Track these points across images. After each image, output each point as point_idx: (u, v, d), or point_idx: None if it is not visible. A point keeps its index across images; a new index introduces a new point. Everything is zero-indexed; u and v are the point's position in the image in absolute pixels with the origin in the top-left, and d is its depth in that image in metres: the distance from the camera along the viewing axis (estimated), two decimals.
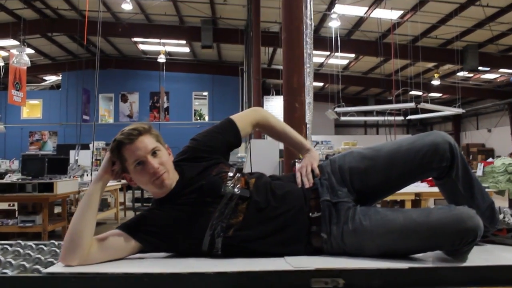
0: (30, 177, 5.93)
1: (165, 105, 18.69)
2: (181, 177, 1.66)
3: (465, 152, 19.77)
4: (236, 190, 1.61)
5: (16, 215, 6.31)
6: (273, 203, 1.61)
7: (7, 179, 6.15)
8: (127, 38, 15.89)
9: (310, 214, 1.60)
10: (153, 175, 1.57)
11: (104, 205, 7.67)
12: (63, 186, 5.89)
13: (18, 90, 12.20)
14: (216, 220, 1.57)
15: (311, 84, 7.98)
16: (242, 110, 17.64)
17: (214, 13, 13.65)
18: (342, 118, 14.47)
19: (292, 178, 1.74)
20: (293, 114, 3.73)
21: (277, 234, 1.58)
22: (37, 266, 1.50)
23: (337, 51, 12.82)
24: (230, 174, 1.66)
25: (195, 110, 19.06)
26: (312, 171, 1.72)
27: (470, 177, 1.66)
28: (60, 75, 19.89)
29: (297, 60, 3.78)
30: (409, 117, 13.70)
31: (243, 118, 1.83)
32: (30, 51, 16.01)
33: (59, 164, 6.30)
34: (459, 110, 12.05)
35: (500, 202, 7.51)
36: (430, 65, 16.44)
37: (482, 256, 1.54)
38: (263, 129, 1.90)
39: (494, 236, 1.72)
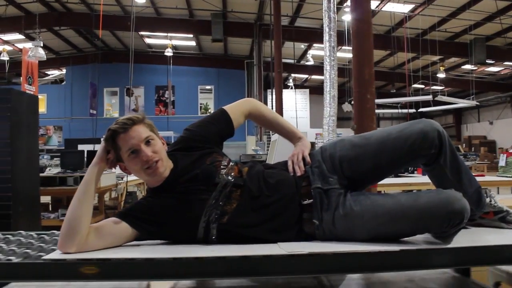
0: (70, 171, 5.93)
1: (171, 99, 18.64)
2: (175, 166, 1.69)
3: (467, 144, 20.03)
4: (230, 178, 1.65)
5: (50, 209, 6.32)
6: (265, 191, 1.64)
7: (48, 173, 6.12)
8: (135, 31, 15.78)
9: (302, 201, 1.63)
10: (146, 163, 1.60)
11: (133, 198, 7.71)
12: (104, 179, 5.90)
13: (30, 85, 12.11)
14: (210, 208, 1.61)
15: (335, 77, 8.03)
16: None
17: (225, 7, 13.64)
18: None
19: (284, 166, 1.77)
20: (365, 105, 3.78)
21: (270, 221, 1.61)
22: (41, 254, 1.52)
23: (349, 45, 12.89)
24: (224, 163, 1.70)
25: (200, 104, 19.05)
26: (304, 159, 1.75)
27: (458, 163, 1.70)
28: (63, 70, 19.74)
29: (367, 52, 3.83)
30: (421, 109, 13.84)
31: (235, 109, 1.86)
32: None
33: None
34: (473, 102, 12.23)
35: None
36: (436, 58, 16.59)
37: (469, 238, 1.58)
38: (255, 119, 1.93)
39: (481, 219, 1.77)
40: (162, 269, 1.42)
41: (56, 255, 1.49)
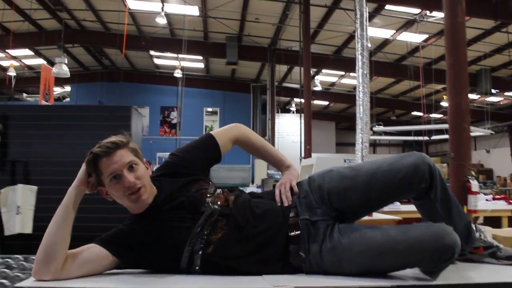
0: None
1: (175, 121, 18.59)
2: (159, 192, 1.64)
3: None
4: (216, 206, 1.61)
5: None
6: (252, 222, 1.60)
7: None
8: (147, 52, 15.80)
9: (289, 232, 1.60)
10: (128, 190, 1.55)
11: None
12: None
13: (47, 101, 11.97)
14: (195, 237, 1.56)
15: (368, 104, 8.16)
16: (254, 127, 17.79)
17: (242, 30, 13.77)
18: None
19: (271, 196, 1.74)
20: (462, 133, 3.88)
21: (255, 253, 1.57)
22: (3, 281, 1.47)
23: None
24: (210, 190, 1.66)
25: (206, 126, 19.03)
26: (291, 189, 1.73)
27: (448, 198, 1.68)
28: (65, 87, 19.55)
29: (464, 84, 3.95)
30: (433, 137, 14.16)
31: (223, 134, 1.83)
32: (42, 61, 15.73)
33: None
34: (487, 131, 12.55)
35: None
36: (440, 87, 16.98)
37: (459, 274, 1.57)
38: (243, 145, 1.87)
39: (471, 254, 1.75)
40: None
41: (29, 283, 1.43)
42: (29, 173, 3.65)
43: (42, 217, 3.41)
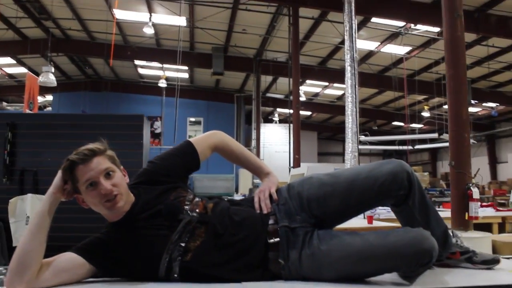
0: None
1: (159, 130, 18.49)
2: (137, 200, 1.64)
3: (444, 180, 20.80)
4: (194, 214, 1.61)
5: None
6: (230, 229, 1.60)
7: None
8: (132, 61, 15.73)
9: (268, 239, 1.60)
10: (105, 197, 1.53)
11: None
12: None
13: (31, 110, 11.80)
14: (173, 244, 1.55)
15: (357, 114, 8.29)
16: (238, 137, 17.81)
17: (228, 41, 13.85)
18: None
19: (250, 203, 1.74)
20: (463, 142, 4.00)
21: (234, 261, 1.57)
22: None
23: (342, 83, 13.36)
24: (189, 198, 1.66)
25: (189, 135, 18.97)
26: (271, 196, 1.73)
27: (426, 205, 1.71)
28: (46, 96, 19.26)
29: (464, 95, 4.09)
30: (417, 146, 14.41)
31: (202, 141, 1.82)
32: (23, 70, 15.53)
33: None
34: (470, 141, 12.89)
35: None
36: (421, 97, 17.35)
37: (436, 278, 1.61)
38: (222, 152, 1.87)
39: (448, 259, 1.80)
40: None
41: None
42: (38, 183, 3.61)
43: (51, 227, 3.37)
